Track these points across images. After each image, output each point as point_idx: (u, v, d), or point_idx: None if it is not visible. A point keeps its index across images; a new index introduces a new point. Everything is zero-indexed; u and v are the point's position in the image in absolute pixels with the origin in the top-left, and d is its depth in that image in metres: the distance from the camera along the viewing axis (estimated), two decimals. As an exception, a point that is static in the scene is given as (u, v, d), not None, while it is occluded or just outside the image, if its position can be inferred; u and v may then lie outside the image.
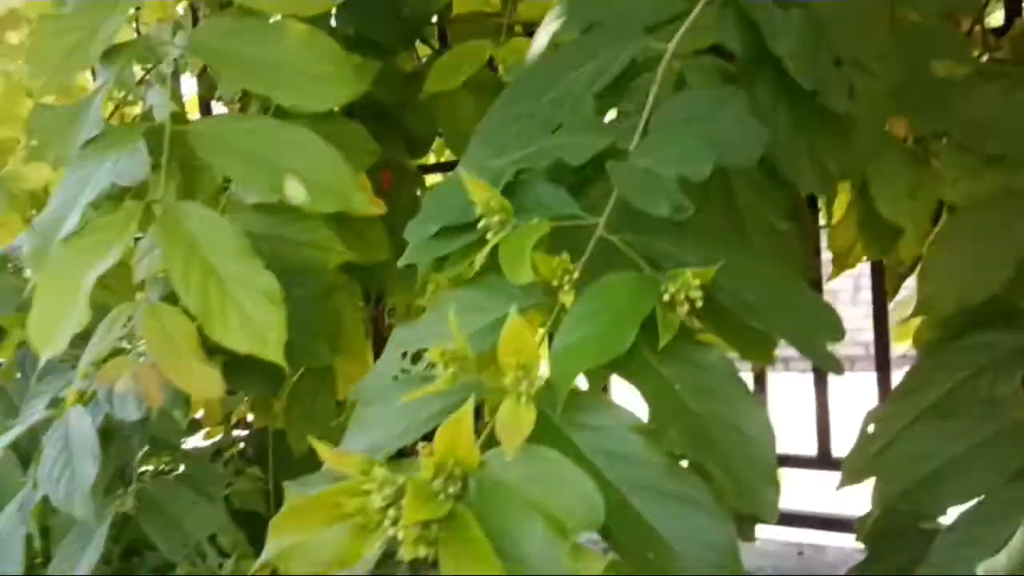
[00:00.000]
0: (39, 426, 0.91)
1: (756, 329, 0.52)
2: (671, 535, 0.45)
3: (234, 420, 1.31)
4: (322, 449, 0.45)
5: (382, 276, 1.22)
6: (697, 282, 0.49)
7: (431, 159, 1.53)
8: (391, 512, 0.41)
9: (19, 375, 1.22)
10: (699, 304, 0.49)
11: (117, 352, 0.74)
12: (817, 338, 0.52)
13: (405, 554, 0.42)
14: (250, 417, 1.30)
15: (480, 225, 0.55)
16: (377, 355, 1.29)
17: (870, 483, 1.13)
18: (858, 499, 1.11)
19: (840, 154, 0.62)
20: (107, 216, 0.67)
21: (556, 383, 0.47)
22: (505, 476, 0.44)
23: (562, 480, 0.43)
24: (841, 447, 1.28)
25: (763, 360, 0.54)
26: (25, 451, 1.15)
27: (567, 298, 0.50)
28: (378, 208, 1.10)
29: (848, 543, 1.30)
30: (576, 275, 0.50)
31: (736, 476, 0.47)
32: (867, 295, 1.22)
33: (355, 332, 1.31)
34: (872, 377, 1.21)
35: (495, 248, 0.53)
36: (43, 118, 0.75)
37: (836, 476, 1.31)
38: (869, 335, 1.20)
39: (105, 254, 0.64)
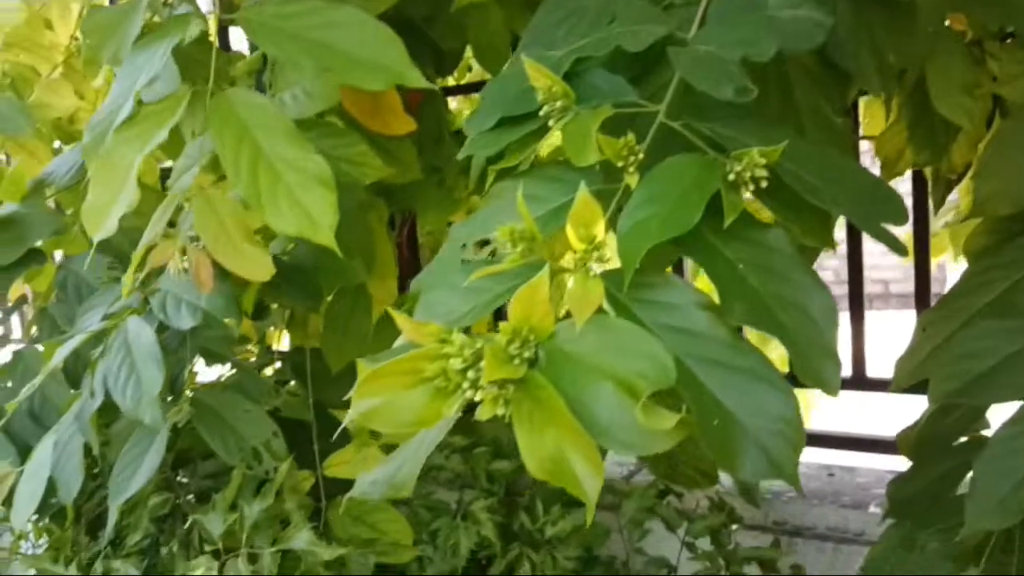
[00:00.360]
0: (86, 343, 0.94)
1: (818, 210, 0.53)
2: (736, 407, 0.47)
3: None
4: (399, 318, 0.47)
5: (412, 197, 1.24)
6: (763, 161, 0.50)
7: (450, 82, 1.53)
8: (470, 374, 0.43)
9: (59, 297, 1.26)
10: (763, 184, 0.50)
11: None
12: (879, 217, 0.53)
13: (482, 413, 0.44)
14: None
15: (542, 113, 0.55)
16: (403, 283, 1.31)
17: (902, 401, 1.15)
18: (889, 420, 1.13)
19: (900, 46, 0.62)
20: (156, 103, 0.68)
21: (623, 261, 0.49)
22: (575, 346, 0.46)
23: (631, 347, 0.45)
24: (874, 368, 1.30)
25: (823, 242, 0.55)
26: (72, 367, 1.19)
27: (632, 179, 0.52)
28: (408, 125, 1.11)
29: (879, 464, 1.32)
30: (641, 156, 0.51)
31: (799, 353, 0.49)
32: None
33: (385, 254, 1.33)
34: (891, 315, 1.22)
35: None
36: (96, 19, 0.76)
37: (868, 397, 1.33)
38: (889, 273, 1.20)
39: (153, 137, 0.66)
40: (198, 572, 0.84)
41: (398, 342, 0.50)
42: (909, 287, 1.17)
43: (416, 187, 1.17)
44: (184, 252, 0.70)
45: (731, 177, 0.51)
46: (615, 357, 0.45)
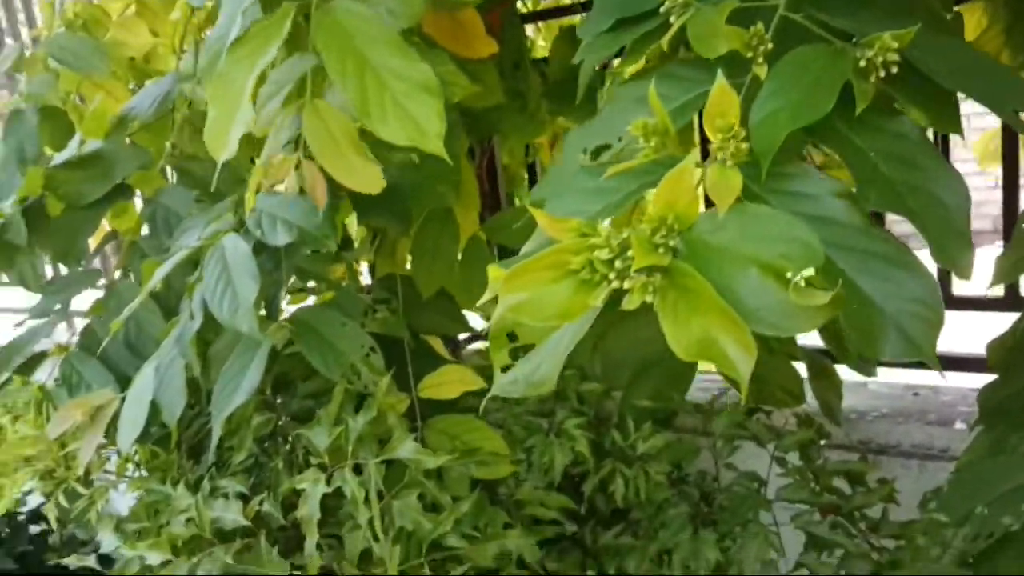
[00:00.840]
0: (184, 262, 0.98)
1: (946, 98, 0.54)
2: (874, 291, 0.49)
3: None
4: (539, 215, 0.49)
5: (493, 122, 1.25)
6: (895, 45, 0.50)
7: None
8: (617, 264, 0.45)
9: (148, 230, 1.31)
10: (894, 70, 0.51)
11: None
12: (1011, 103, 0.53)
13: (630, 303, 0.46)
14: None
15: (663, 9, 0.56)
16: (482, 215, 1.33)
17: (987, 320, 1.15)
18: (973, 339, 1.13)
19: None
20: (263, 21, 0.70)
21: (758, 151, 0.50)
22: (717, 235, 0.47)
23: (774, 232, 0.46)
24: (960, 286, 1.29)
25: (951, 129, 0.56)
26: (165, 297, 1.24)
27: (760, 70, 0.52)
28: (491, 47, 1.11)
29: (964, 383, 1.32)
30: (770, 46, 0.52)
31: (932, 238, 0.50)
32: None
33: (468, 183, 1.35)
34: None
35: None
36: None
37: (955, 316, 1.32)
38: (995, 208, 1.18)
39: (264, 54, 0.68)
40: (305, 484, 0.89)
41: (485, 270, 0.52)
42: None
43: (498, 112, 1.18)
44: (299, 167, 0.73)
45: (862, 64, 0.51)
46: (758, 243, 0.46)
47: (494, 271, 0.51)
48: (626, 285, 0.45)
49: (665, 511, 1.05)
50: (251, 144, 1.31)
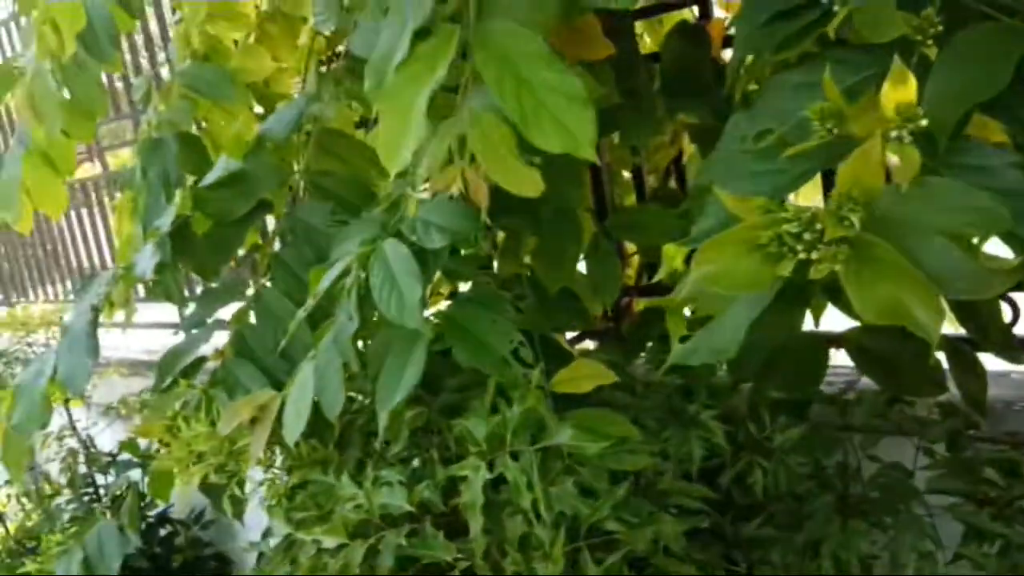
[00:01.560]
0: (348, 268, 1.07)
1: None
2: (1055, 258, 0.51)
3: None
4: (723, 196, 0.54)
5: (611, 121, 1.30)
6: (1070, 20, 0.53)
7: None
8: (806, 236, 0.50)
9: (288, 242, 1.41)
10: (1069, 44, 0.53)
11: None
12: None
13: (817, 272, 0.50)
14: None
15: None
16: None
17: None
18: None
19: None
20: (428, 42, 0.77)
21: (934, 128, 0.53)
22: (900, 207, 0.51)
23: (957, 202, 0.50)
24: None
25: None
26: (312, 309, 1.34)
27: (930, 51, 0.56)
28: (607, 48, 1.17)
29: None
30: (940, 28, 0.55)
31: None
32: None
33: (586, 183, 1.41)
34: None
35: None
36: None
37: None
38: None
39: (432, 75, 0.75)
40: (466, 471, 0.96)
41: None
42: None
43: (615, 112, 1.23)
44: (462, 175, 0.80)
45: (1036, 40, 0.54)
46: (942, 213, 0.50)
47: (671, 249, 0.56)
48: (814, 256, 0.50)
49: (808, 503, 1.07)
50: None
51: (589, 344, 1.61)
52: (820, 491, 1.08)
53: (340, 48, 1.64)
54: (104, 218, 3.47)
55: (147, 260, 1.42)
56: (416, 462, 1.10)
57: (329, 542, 1.03)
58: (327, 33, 1.49)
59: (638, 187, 1.46)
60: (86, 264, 3.76)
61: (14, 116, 3.75)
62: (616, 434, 1.07)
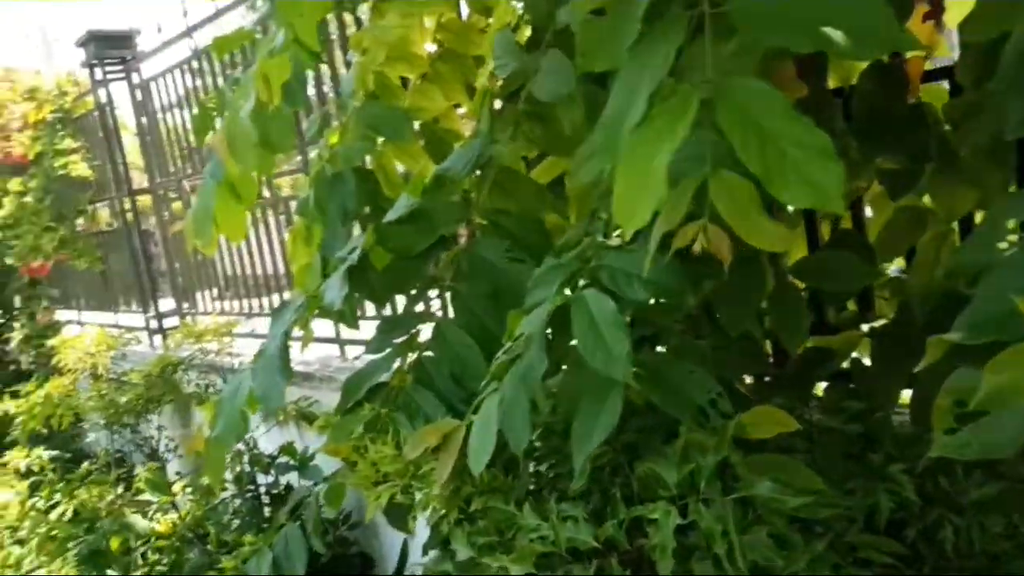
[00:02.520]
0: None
1: None
2: None
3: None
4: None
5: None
6: None
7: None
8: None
9: (465, 276, 1.46)
10: None
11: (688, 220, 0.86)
12: None
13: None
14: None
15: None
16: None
17: None
18: None
19: None
20: (665, 103, 0.78)
21: None
22: None
23: None
24: None
25: None
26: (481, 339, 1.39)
27: None
28: (800, 90, 1.16)
29: None
30: None
31: None
32: None
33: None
34: None
35: None
36: (589, 28, 0.89)
37: None
38: None
39: (672, 134, 0.76)
40: (656, 514, 0.96)
41: None
42: None
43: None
44: (704, 231, 0.81)
45: None
46: None
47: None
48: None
49: (1004, 564, 1.02)
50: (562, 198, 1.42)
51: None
52: (1018, 552, 1.03)
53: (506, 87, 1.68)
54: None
55: (335, 291, 1.50)
56: (596, 498, 1.12)
57: (515, 570, 1.06)
58: (503, 77, 1.54)
59: (810, 230, 1.43)
60: (230, 272, 4.05)
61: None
62: (807, 486, 1.05)
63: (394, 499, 1.29)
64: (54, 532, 2.84)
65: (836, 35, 0.74)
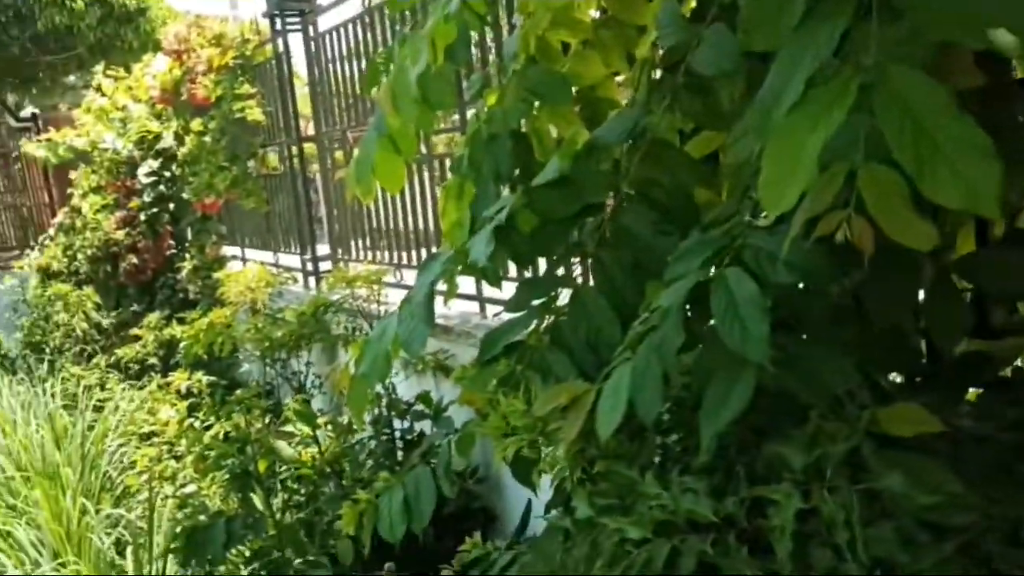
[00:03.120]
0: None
1: None
2: None
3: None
4: None
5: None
6: None
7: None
8: None
9: (609, 244, 1.50)
10: None
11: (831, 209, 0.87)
12: None
13: None
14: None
15: None
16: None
17: None
18: None
19: None
20: (823, 86, 0.79)
21: None
22: None
23: None
24: None
25: None
26: (620, 309, 1.43)
27: None
28: (978, 78, 1.10)
29: None
30: None
31: None
32: None
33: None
34: None
35: None
36: (755, 3, 0.89)
37: None
38: None
39: (828, 118, 0.77)
40: (778, 496, 0.98)
41: None
42: None
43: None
44: (848, 221, 0.81)
45: None
46: None
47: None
48: None
49: None
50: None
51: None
52: None
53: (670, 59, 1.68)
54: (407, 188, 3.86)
55: (481, 249, 1.59)
56: (719, 476, 1.14)
57: (633, 533, 1.11)
58: (666, 46, 1.55)
59: (979, 227, 1.36)
60: (382, 224, 4.27)
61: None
62: (942, 487, 1.03)
63: (520, 452, 1.37)
64: (208, 450, 3.15)
65: (1005, 36, 0.72)
